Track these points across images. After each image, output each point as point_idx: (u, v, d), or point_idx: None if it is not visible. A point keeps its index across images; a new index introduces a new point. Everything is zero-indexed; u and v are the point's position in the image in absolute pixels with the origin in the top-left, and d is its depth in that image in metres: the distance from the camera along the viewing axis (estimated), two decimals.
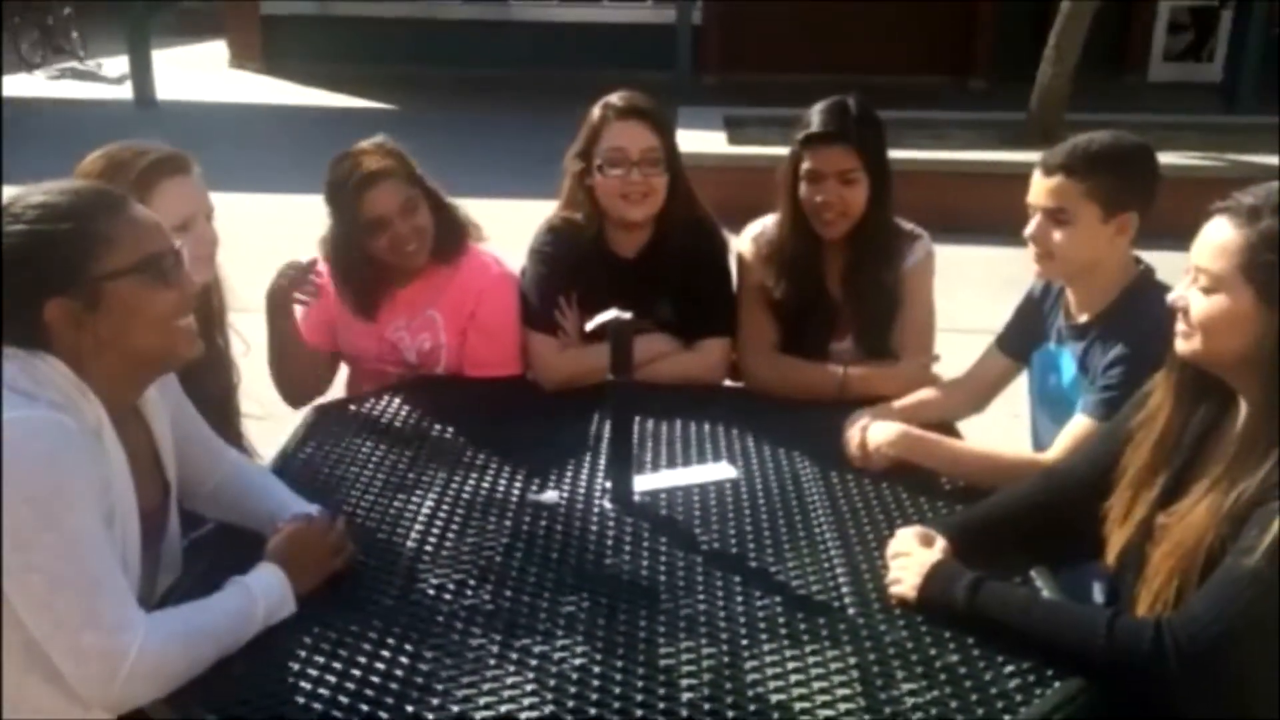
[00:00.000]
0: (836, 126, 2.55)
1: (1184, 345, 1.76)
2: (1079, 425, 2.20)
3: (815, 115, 2.59)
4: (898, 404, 2.44)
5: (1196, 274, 1.73)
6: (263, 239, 6.58)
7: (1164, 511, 1.78)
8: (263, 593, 1.70)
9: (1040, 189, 2.25)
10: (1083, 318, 2.32)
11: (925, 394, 2.51)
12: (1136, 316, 2.19)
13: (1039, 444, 2.46)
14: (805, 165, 2.59)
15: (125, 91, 11.75)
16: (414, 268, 2.64)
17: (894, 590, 1.83)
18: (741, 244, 2.80)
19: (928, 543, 1.89)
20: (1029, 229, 2.28)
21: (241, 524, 1.98)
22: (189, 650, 1.59)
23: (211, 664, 1.62)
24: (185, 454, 1.93)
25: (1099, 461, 1.93)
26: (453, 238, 2.68)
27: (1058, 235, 2.23)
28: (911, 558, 1.85)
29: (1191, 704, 1.60)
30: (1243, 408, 1.73)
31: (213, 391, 2.34)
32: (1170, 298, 1.79)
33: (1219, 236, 1.69)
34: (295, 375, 2.76)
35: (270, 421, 2.69)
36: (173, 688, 1.57)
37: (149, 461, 1.83)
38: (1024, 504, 1.99)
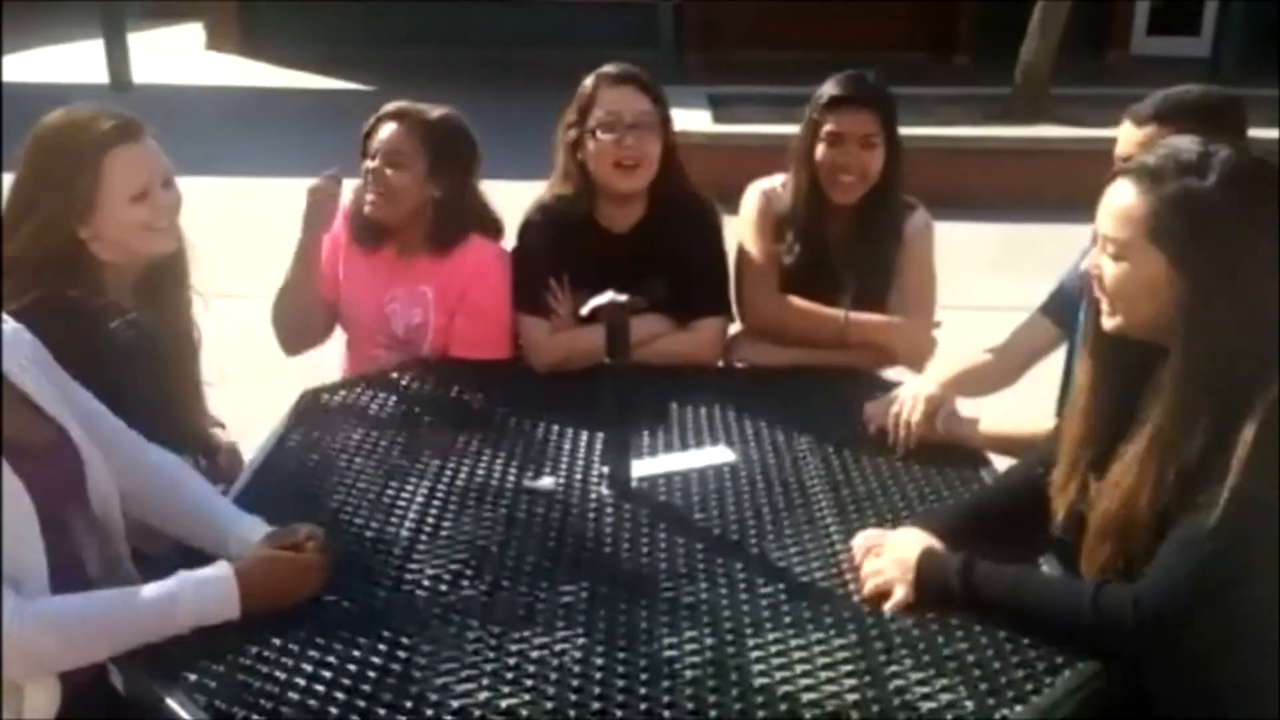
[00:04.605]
0: (859, 91, 2.63)
1: (1108, 322, 1.71)
2: None
3: (836, 82, 2.65)
4: (938, 380, 2.35)
5: (1104, 242, 1.68)
6: (242, 224, 6.50)
7: (1096, 477, 1.73)
8: (194, 594, 1.64)
9: (1131, 140, 2.21)
10: None
11: (961, 366, 2.45)
12: None
13: None
14: (827, 128, 2.63)
15: (100, 75, 11.61)
16: (373, 220, 2.62)
17: (894, 601, 1.73)
18: (751, 193, 2.80)
19: (898, 540, 1.82)
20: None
21: (186, 540, 1.87)
22: (66, 638, 1.61)
23: (109, 653, 1.62)
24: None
25: None
26: (447, 230, 2.62)
27: None
28: (886, 558, 1.78)
29: (1170, 670, 1.58)
30: (1171, 368, 1.66)
31: (175, 371, 2.27)
32: (1084, 265, 1.76)
33: (1122, 201, 1.64)
34: (303, 308, 2.67)
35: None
36: (50, 669, 1.64)
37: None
38: (1002, 488, 1.97)
